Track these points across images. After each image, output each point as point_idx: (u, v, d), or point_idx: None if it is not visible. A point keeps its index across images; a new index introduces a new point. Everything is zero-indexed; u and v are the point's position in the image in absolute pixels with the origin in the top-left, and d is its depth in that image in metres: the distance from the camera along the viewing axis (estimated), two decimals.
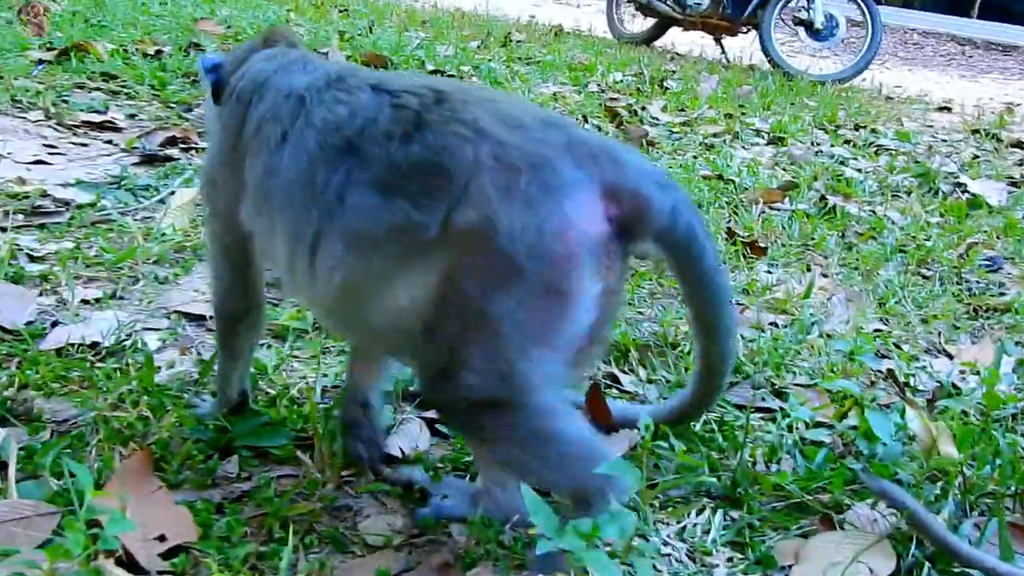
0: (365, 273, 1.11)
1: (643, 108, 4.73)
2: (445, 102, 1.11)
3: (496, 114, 1.08)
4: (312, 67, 1.29)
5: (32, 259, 2.04)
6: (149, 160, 2.88)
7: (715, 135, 4.41)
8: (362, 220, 1.09)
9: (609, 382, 1.79)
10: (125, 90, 3.68)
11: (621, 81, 5.51)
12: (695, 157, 3.87)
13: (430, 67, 4.98)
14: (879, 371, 1.96)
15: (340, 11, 6.89)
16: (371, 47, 5.26)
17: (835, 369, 1.92)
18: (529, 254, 1.01)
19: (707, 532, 1.35)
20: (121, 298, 1.93)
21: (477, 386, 1.05)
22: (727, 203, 3.22)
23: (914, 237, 3.01)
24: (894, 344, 2.15)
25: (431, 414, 1.57)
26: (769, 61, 7.39)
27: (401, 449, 1.47)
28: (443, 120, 1.09)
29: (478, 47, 6.03)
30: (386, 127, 1.11)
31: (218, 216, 1.34)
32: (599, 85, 5.32)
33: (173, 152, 2.97)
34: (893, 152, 4.50)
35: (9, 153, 2.79)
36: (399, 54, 5.14)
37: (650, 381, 1.81)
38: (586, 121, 4.35)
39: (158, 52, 4.20)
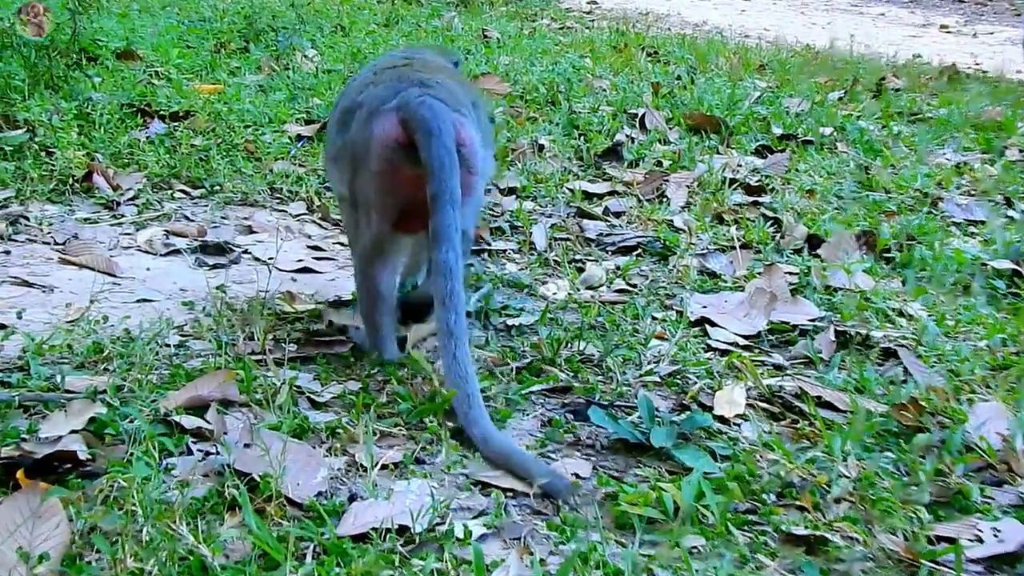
0: (335, 175, 2.62)
1: None
2: (378, 74, 2.48)
3: (387, 77, 2.42)
4: (382, 59, 2.78)
5: (314, 405, 2.21)
6: None
7: None
8: (330, 144, 2.61)
9: None
10: None
11: None
12: None
13: (778, 130, 4.99)
14: None
15: (648, 55, 7.10)
16: (695, 104, 5.36)
17: None
18: (361, 153, 2.34)
19: None
20: (422, 461, 2.03)
21: (353, 239, 2.59)
22: None
23: None
24: None
25: None
26: None
27: None
28: (364, 86, 2.45)
29: (840, 98, 5.99)
30: (349, 91, 2.58)
31: None
32: (1022, 151, 5.10)
33: None
34: None
35: (271, 258, 3.07)
36: (734, 113, 5.20)
37: None
38: (1010, 206, 4.17)
39: None
